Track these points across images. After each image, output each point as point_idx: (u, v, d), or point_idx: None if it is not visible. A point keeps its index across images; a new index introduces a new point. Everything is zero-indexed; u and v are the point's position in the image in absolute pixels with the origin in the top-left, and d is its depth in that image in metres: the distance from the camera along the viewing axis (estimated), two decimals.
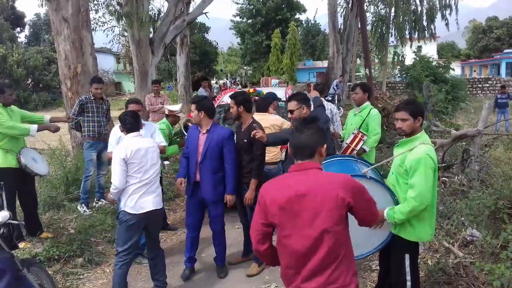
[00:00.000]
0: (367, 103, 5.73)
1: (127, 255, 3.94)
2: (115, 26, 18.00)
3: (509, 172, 5.27)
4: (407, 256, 3.23)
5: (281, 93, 8.01)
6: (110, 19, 17.03)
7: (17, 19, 42.88)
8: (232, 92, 5.05)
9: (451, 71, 15.75)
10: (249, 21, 41.81)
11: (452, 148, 7.27)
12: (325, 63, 32.70)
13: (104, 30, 17.77)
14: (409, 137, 3.24)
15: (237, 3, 42.13)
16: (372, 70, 14.46)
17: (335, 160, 3.79)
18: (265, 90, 8.29)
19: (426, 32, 24.05)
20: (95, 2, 14.44)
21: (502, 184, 4.92)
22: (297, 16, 42.49)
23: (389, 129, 10.45)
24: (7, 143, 5.03)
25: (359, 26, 16.38)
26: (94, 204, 6.75)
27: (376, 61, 27.84)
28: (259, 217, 2.34)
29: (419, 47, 23.32)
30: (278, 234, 2.31)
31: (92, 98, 6.54)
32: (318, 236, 2.17)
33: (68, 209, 6.40)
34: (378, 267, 3.81)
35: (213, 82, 35.97)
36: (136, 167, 3.88)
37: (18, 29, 44.06)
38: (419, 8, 23.64)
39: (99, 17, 17.59)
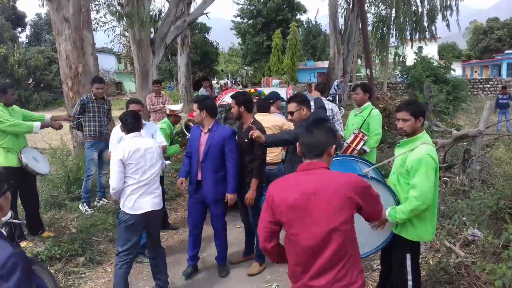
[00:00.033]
0: (368, 103, 5.73)
1: (127, 255, 3.93)
2: (116, 26, 18.03)
3: (510, 172, 5.29)
4: (408, 256, 3.24)
5: (282, 93, 8.00)
6: (111, 19, 17.06)
7: (18, 19, 42.91)
8: (233, 92, 5.06)
9: (452, 71, 15.75)
10: (250, 21, 41.78)
11: (454, 148, 7.27)
12: (326, 64, 32.66)
13: (105, 31, 17.80)
14: (410, 137, 3.24)
15: (238, 4, 42.11)
16: (373, 71, 14.47)
17: (336, 159, 3.78)
18: (266, 90, 8.30)
19: (427, 33, 24.07)
20: (96, 2, 14.46)
21: (503, 184, 4.92)
22: (298, 16, 42.47)
23: (390, 129, 10.45)
24: (8, 142, 5.04)
25: (360, 26, 16.39)
26: (95, 203, 6.76)
27: (377, 61, 27.85)
28: (267, 215, 2.36)
29: (420, 48, 23.32)
30: (286, 232, 2.32)
31: (93, 98, 6.56)
32: (327, 235, 2.19)
33: (70, 208, 6.41)
34: (379, 267, 3.81)
35: (214, 82, 35.94)
36: (134, 168, 3.86)
37: (19, 29, 44.08)
38: (420, 9, 23.67)
39: (100, 17, 17.61)
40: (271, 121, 5.63)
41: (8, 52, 31.87)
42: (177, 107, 6.21)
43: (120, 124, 4.15)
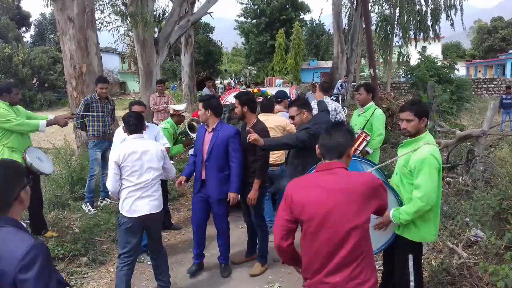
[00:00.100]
0: (371, 103, 5.71)
1: (128, 257, 3.93)
2: (120, 26, 18.06)
3: None
4: (410, 257, 3.23)
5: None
6: (115, 19, 17.09)
7: (22, 19, 43.10)
8: (237, 92, 5.07)
9: (456, 71, 15.71)
10: (254, 21, 41.80)
11: (457, 148, 7.26)
12: (329, 63, 32.64)
13: (109, 30, 17.83)
14: (414, 138, 3.24)
15: (242, 3, 42.18)
16: (377, 70, 14.43)
17: None
18: (269, 90, 8.30)
19: (430, 32, 24.01)
20: (101, 2, 14.49)
21: (506, 184, 4.91)
22: (301, 16, 42.46)
23: (393, 129, 10.44)
24: (13, 141, 5.06)
25: (364, 26, 16.38)
26: (98, 203, 6.78)
27: (381, 61, 27.80)
28: (285, 213, 2.40)
29: (424, 47, 23.31)
30: (304, 229, 2.36)
31: (97, 97, 6.58)
32: (346, 233, 2.24)
33: (73, 208, 6.43)
34: (381, 267, 3.81)
35: (217, 82, 36.00)
36: (129, 170, 3.85)
37: (24, 28, 44.30)
38: (424, 8, 23.62)
39: (104, 17, 17.63)
40: (275, 122, 5.64)
41: (13, 52, 31.98)
42: (180, 107, 6.22)
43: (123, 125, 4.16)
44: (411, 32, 24.26)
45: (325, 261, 2.29)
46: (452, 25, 23.18)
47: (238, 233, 5.80)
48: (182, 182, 4.73)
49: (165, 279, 4.26)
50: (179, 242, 5.88)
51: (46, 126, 5.30)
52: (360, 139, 5.38)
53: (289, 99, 6.99)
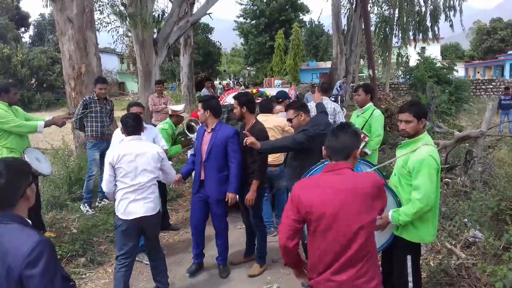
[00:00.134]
0: (370, 104, 5.71)
1: (125, 259, 3.92)
2: (119, 27, 18.03)
3: None
4: (409, 258, 3.24)
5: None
6: (114, 20, 17.07)
7: (21, 19, 43.07)
8: (236, 93, 5.07)
9: (455, 72, 15.73)
10: (253, 22, 41.81)
11: (455, 149, 7.27)
12: (328, 64, 32.63)
13: (108, 31, 17.79)
14: (412, 138, 3.24)
15: (241, 4, 42.17)
16: (376, 71, 14.44)
17: None
18: (268, 91, 8.30)
19: (429, 33, 24.03)
20: (100, 2, 14.48)
21: (505, 185, 4.92)
22: (300, 17, 42.45)
23: (392, 130, 10.44)
24: (11, 142, 5.06)
25: (363, 27, 16.39)
26: (96, 203, 6.78)
27: (380, 62, 27.82)
28: (292, 213, 2.41)
29: (423, 48, 23.32)
30: (312, 229, 2.38)
31: (96, 98, 6.58)
32: (353, 233, 2.29)
33: (71, 209, 6.42)
34: (380, 268, 3.81)
35: (216, 82, 35.97)
36: (123, 172, 3.84)
37: (23, 29, 44.26)
38: (423, 9, 23.62)
39: (104, 17, 17.61)
40: (274, 122, 5.65)
41: (11, 52, 31.97)
42: (179, 107, 6.23)
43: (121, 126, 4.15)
44: (410, 33, 24.27)
45: (332, 260, 2.33)
46: (451, 26, 23.19)
47: (237, 234, 5.80)
48: (178, 180, 4.70)
49: (163, 280, 4.26)
50: (178, 242, 5.88)
51: (44, 127, 5.30)
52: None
53: (289, 100, 6.99)
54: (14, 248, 1.80)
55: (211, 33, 40.35)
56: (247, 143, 4.11)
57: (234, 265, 4.99)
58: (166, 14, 13.28)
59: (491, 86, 29.94)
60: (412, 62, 20.34)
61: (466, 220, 4.87)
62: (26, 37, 45.01)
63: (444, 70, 15.27)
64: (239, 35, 44.31)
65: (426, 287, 3.92)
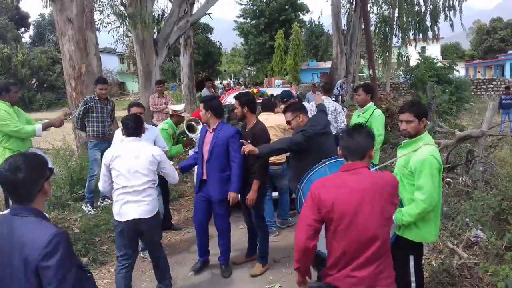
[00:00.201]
0: (371, 103, 5.71)
1: (125, 260, 3.91)
2: (119, 27, 18.03)
3: None
4: (411, 257, 3.23)
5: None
6: (114, 20, 17.08)
7: (21, 19, 43.09)
8: (237, 93, 5.07)
9: (455, 72, 15.71)
10: (253, 21, 41.81)
11: (457, 149, 7.26)
12: (328, 64, 32.62)
13: (108, 31, 17.80)
14: (413, 138, 3.24)
15: (241, 4, 42.17)
16: (376, 71, 14.43)
17: (338, 161, 3.77)
18: (269, 91, 8.31)
19: (429, 33, 23.99)
20: (100, 2, 14.48)
21: (506, 185, 4.92)
22: (300, 17, 42.46)
23: (393, 129, 10.44)
24: (13, 143, 5.07)
25: (363, 27, 16.37)
26: (98, 203, 6.78)
27: (380, 61, 27.80)
28: (311, 213, 2.43)
29: (423, 48, 23.33)
30: (333, 228, 2.40)
31: (97, 98, 6.58)
32: (374, 231, 2.36)
33: (73, 209, 6.42)
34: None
35: (217, 82, 36.00)
36: (116, 173, 3.84)
37: (23, 29, 44.28)
38: (423, 9, 23.60)
39: (104, 17, 17.63)
40: (275, 121, 5.65)
41: (12, 52, 31.99)
42: (179, 107, 6.23)
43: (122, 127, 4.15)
44: (410, 33, 24.24)
45: (352, 257, 2.38)
46: (451, 25, 23.16)
47: (239, 234, 5.80)
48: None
49: (166, 282, 4.23)
50: (179, 242, 5.88)
51: (43, 130, 5.30)
52: None
53: (294, 99, 7.01)
54: (31, 240, 1.84)
55: (211, 33, 40.32)
56: (246, 152, 4.13)
57: (236, 265, 4.99)
58: (166, 14, 13.30)
59: (492, 86, 29.94)
60: (413, 62, 20.33)
61: (468, 220, 4.86)
62: (26, 37, 45.12)
63: (445, 70, 15.24)
64: (239, 35, 44.32)
65: (428, 287, 3.92)
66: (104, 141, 6.54)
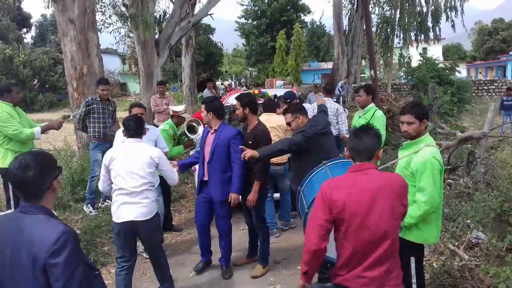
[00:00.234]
0: (372, 104, 5.72)
1: (123, 262, 3.90)
2: (121, 27, 18.08)
3: None
4: (412, 259, 3.22)
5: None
6: (116, 21, 17.11)
7: (23, 20, 43.15)
8: (238, 94, 5.08)
9: (456, 73, 15.69)
10: (254, 22, 41.79)
11: (458, 150, 7.25)
12: (329, 65, 32.60)
13: (110, 32, 17.83)
14: (414, 140, 3.24)
15: (242, 5, 42.17)
16: (377, 72, 14.42)
17: (339, 162, 3.78)
18: (270, 92, 8.31)
19: (430, 33, 23.96)
20: (101, 3, 14.49)
21: (508, 186, 4.91)
22: (302, 17, 42.44)
23: (394, 130, 10.43)
24: (15, 144, 5.09)
25: (364, 27, 16.37)
26: (100, 204, 6.78)
27: (381, 62, 27.78)
28: (323, 213, 2.42)
29: (425, 49, 23.26)
30: (344, 228, 2.41)
31: (99, 99, 6.59)
32: (384, 231, 2.37)
33: (74, 210, 6.43)
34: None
35: (218, 83, 35.98)
36: (115, 174, 3.84)
37: (25, 29, 44.34)
38: (425, 10, 23.57)
39: (105, 18, 17.66)
40: (277, 121, 5.66)
41: (13, 53, 32.06)
42: (179, 108, 6.23)
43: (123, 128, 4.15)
44: (412, 34, 24.21)
45: (363, 257, 2.40)
46: (453, 26, 23.13)
47: (239, 235, 5.80)
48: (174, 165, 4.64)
49: (167, 284, 4.20)
50: (180, 243, 5.88)
51: (42, 133, 5.30)
52: None
53: (297, 100, 7.01)
54: (40, 238, 1.86)
55: (212, 34, 40.33)
56: (246, 158, 4.14)
57: (237, 266, 4.99)
58: (168, 15, 13.32)
59: (493, 87, 29.89)
60: (414, 63, 20.32)
61: (469, 221, 4.86)
62: (28, 38, 45.18)
63: (446, 71, 15.23)
64: (241, 36, 44.31)
65: None
66: (106, 142, 6.55)
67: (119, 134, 5.10)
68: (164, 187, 5.54)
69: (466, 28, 24.38)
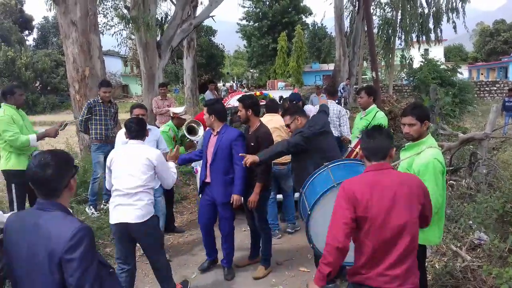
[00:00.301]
0: (373, 106, 5.73)
1: (122, 264, 3.87)
2: (122, 30, 18.09)
3: None
4: None
5: (286, 96, 8.04)
6: (118, 23, 17.15)
7: (25, 22, 43.25)
8: (240, 96, 5.09)
9: (458, 74, 15.69)
10: (256, 24, 41.87)
11: (460, 151, 7.25)
12: (331, 66, 32.64)
13: (112, 34, 17.85)
14: (416, 141, 3.24)
15: (244, 7, 42.28)
16: (379, 73, 14.43)
17: (340, 164, 3.78)
18: (272, 93, 8.33)
19: (431, 35, 23.94)
20: (103, 5, 14.54)
21: (510, 187, 4.91)
22: (303, 19, 42.49)
23: (396, 132, 10.42)
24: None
25: (366, 29, 16.38)
26: (102, 206, 6.79)
27: (383, 64, 27.78)
28: (348, 212, 2.43)
29: (426, 50, 23.26)
30: (367, 227, 2.42)
31: (101, 101, 6.61)
32: (405, 229, 2.40)
33: (76, 211, 6.44)
34: None
35: (220, 85, 36.04)
36: (114, 174, 3.86)
37: (27, 32, 44.42)
38: (426, 11, 23.57)
39: (108, 21, 17.70)
40: (280, 122, 5.65)
41: (16, 55, 32.15)
42: (179, 109, 6.24)
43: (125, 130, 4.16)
44: (413, 35, 24.20)
45: (384, 255, 2.42)
46: (454, 28, 23.12)
47: (241, 236, 5.81)
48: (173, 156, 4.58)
49: (167, 286, 4.14)
50: (182, 244, 5.89)
51: (37, 140, 5.28)
52: None
53: (302, 102, 7.04)
54: (57, 234, 1.91)
55: (214, 36, 40.39)
56: (247, 164, 4.16)
57: (239, 267, 4.99)
58: (169, 17, 13.31)
59: (495, 88, 29.85)
60: (416, 64, 20.30)
61: (471, 222, 4.85)
62: (30, 40, 45.26)
63: (448, 72, 15.23)
64: (242, 38, 44.40)
65: None
66: (107, 143, 6.56)
67: (120, 135, 5.12)
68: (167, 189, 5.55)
69: (468, 29, 24.35)
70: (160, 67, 11.45)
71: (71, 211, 2.10)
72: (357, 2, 22.65)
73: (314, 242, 3.47)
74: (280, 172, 5.65)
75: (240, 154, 4.33)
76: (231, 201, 4.51)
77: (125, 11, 11.56)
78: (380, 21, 24.45)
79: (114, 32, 17.91)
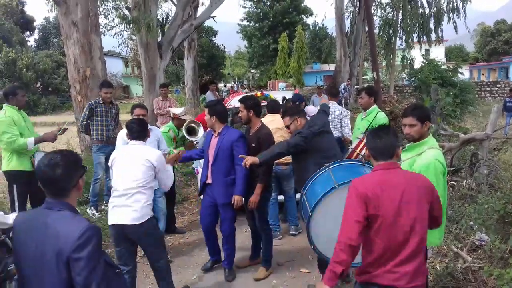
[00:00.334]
0: (374, 106, 5.72)
1: (122, 265, 3.83)
2: (123, 30, 18.14)
3: None
4: None
5: (288, 96, 8.06)
6: (119, 23, 17.18)
7: (26, 23, 43.31)
8: (242, 96, 5.09)
9: (459, 74, 15.67)
10: (256, 24, 41.89)
11: (461, 151, 7.24)
12: (332, 67, 32.64)
13: (113, 35, 17.89)
14: (417, 142, 3.24)
15: (245, 7, 42.31)
16: (380, 74, 14.42)
17: (341, 165, 3.78)
18: (273, 94, 8.33)
19: (432, 35, 23.93)
20: (104, 6, 14.56)
21: (511, 188, 4.91)
22: (304, 19, 42.50)
23: (397, 132, 10.42)
24: None
25: (367, 29, 16.38)
26: (103, 207, 6.79)
27: (384, 64, 27.77)
28: (361, 210, 2.44)
29: (427, 51, 23.25)
30: (377, 225, 2.43)
31: (102, 102, 6.61)
32: (415, 227, 2.43)
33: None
34: None
35: (221, 85, 36.05)
36: (114, 175, 3.87)
37: (28, 33, 44.46)
38: (427, 12, 23.56)
39: (108, 21, 17.72)
40: (281, 122, 5.63)
41: (17, 56, 32.16)
42: (179, 110, 6.23)
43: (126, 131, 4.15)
44: (414, 35, 24.19)
45: (394, 254, 2.43)
46: (455, 28, 23.12)
47: (242, 237, 5.80)
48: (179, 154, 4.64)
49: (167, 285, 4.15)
50: (183, 245, 5.89)
51: (35, 144, 5.26)
52: (362, 144, 5.37)
53: (305, 102, 7.03)
54: (65, 233, 1.93)
55: (215, 36, 40.41)
56: (247, 165, 4.15)
57: (240, 268, 4.99)
58: (170, 18, 13.33)
59: (496, 88, 29.84)
60: (417, 65, 20.28)
61: (472, 223, 4.85)
62: (31, 41, 45.28)
63: (449, 73, 15.21)
64: (243, 38, 44.43)
65: None
66: (108, 144, 6.56)
67: (121, 134, 5.12)
68: (169, 189, 5.54)
69: (469, 30, 24.33)
70: (161, 68, 11.46)
71: (78, 210, 2.12)
72: (358, 3, 22.65)
73: (315, 243, 3.47)
74: (282, 173, 5.64)
75: (240, 156, 4.33)
76: (232, 202, 4.52)
77: (126, 11, 11.57)
78: (381, 22, 24.46)
79: (115, 33, 17.97)
